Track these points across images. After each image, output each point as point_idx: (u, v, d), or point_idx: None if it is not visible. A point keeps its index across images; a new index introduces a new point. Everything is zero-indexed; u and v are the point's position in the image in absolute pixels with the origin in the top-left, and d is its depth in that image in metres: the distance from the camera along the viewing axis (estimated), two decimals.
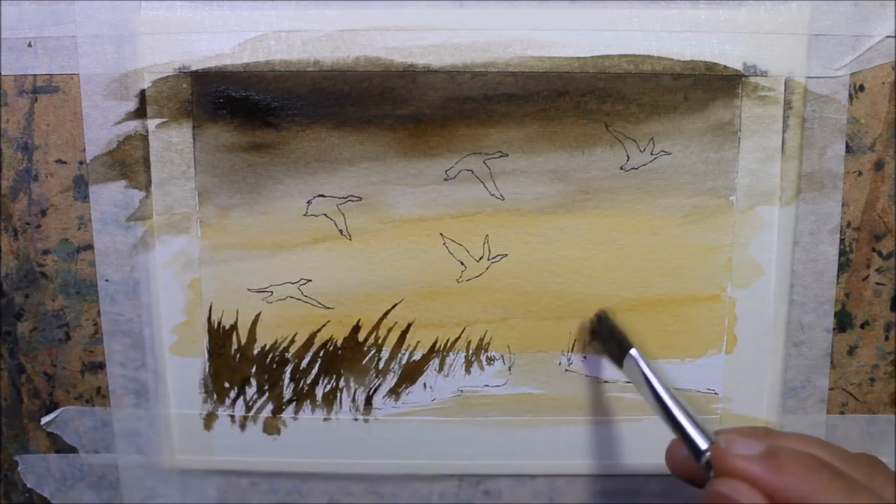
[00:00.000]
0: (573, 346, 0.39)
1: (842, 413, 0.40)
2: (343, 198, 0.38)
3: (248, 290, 0.38)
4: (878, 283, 0.38)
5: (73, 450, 0.41)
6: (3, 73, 0.37)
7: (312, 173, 0.37)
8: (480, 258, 0.38)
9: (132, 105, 0.37)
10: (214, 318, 0.39)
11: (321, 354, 0.39)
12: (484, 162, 0.37)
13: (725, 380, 0.39)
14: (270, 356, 0.39)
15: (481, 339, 0.39)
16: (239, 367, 0.39)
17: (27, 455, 0.41)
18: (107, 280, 0.38)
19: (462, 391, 0.39)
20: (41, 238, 0.38)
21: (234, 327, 0.39)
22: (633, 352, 0.34)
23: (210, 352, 0.39)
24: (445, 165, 0.37)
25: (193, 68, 0.36)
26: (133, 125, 0.37)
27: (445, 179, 0.37)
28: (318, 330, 0.39)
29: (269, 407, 0.40)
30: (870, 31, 0.36)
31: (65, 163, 0.38)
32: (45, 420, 0.40)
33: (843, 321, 0.39)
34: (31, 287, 0.39)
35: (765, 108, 0.36)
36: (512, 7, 0.36)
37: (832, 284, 0.38)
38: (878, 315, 0.39)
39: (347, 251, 0.38)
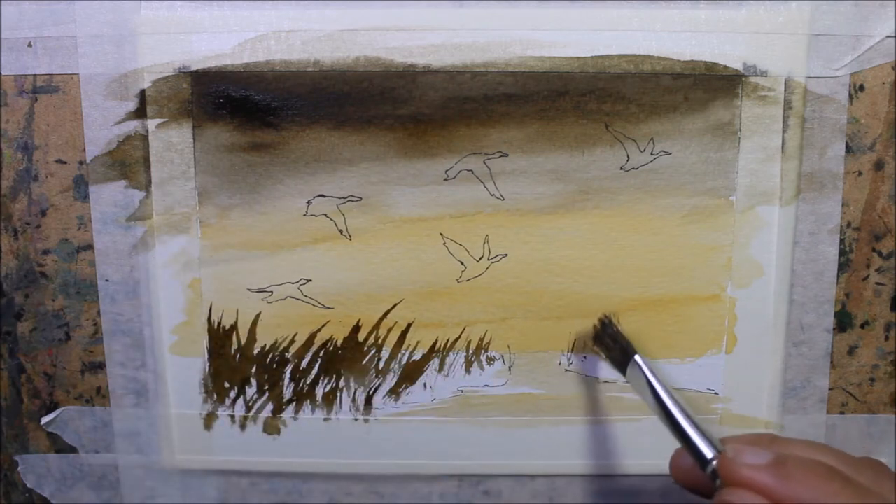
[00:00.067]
0: (573, 346, 0.39)
1: (842, 413, 0.40)
2: (343, 198, 0.38)
3: (248, 290, 0.38)
4: (878, 283, 0.38)
5: (73, 450, 0.41)
6: (3, 73, 0.37)
7: (312, 173, 0.37)
8: (480, 258, 0.38)
9: (132, 105, 0.37)
10: (214, 318, 0.39)
11: (321, 354, 0.39)
12: (484, 162, 0.37)
13: (725, 380, 0.39)
14: (270, 356, 0.39)
15: (481, 339, 0.39)
16: (239, 367, 0.39)
17: (27, 455, 0.41)
18: (107, 280, 0.38)
19: (462, 391, 0.39)
20: (41, 238, 0.38)
21: (234, 327, 0.39)
22: (637, 358, 0.34)
23: (210, 352, 0.39)
24: (445, 165, 0.37)
25: (193, 68, 0.36)
26: (133, 125, 0.37)
27: (445, 179, 0.37)
28: (318, 330, 0.39)
29: (269, 407, 0.40)
30: (870, 31, 0.36)
31: (65, 163, 0.38)
32: (45, 420, 0.40)
33: (843, 321, 0.39)
34: (31, 287, 0.39)
35: (765, 108, 0.36)
36: (512, 7, 0.36)
37: (832, 284, 0.38)
38: (878, 315, 0.39)
39: (347, 251, 0.38)
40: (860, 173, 0.37)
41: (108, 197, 0.38)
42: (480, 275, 0.38)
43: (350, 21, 0.36)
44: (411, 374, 0.39)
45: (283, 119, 0.37)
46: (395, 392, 0.39)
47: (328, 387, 0.40)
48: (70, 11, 0.36)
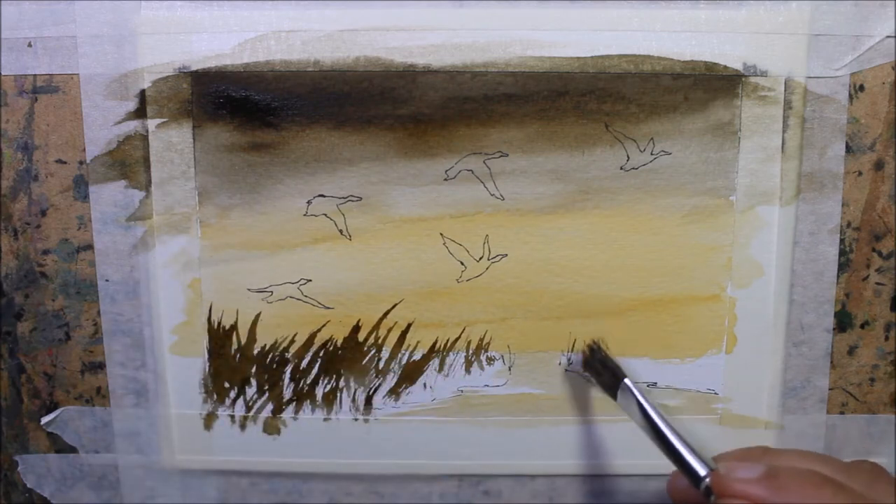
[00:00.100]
0: (573, 346, 0.39)
1: (842, 413, 0.40)
2: (343, 198, 0.38)
3: (248, 290, 0.38)
4: (878, 283, 0.38)
5: (73, 450, 0.41)
6: (3, 73, 0.37)
7: (312, 173, 0.37)
8: (480, 258, 0.38)
9: (132, 105, 0.37)
10: (214, 318, 0.39)
11: (321, 354, 0.39)
12: (484, 162, 0.37)
13: (725, 380, 0.39)
14: (270, 356, 0.39)
15: (481, 339, 0.39)
16: (239, 367, 0.39)
17: (27, 455, 0.41)
18: (107, 280, 0.38)
19: (462, 391, 0.39)
20: (41, 238, 0.38)
21: (234, 327, 0.39)
22: (626, 381, 0.35)
23: (210, 352, 0.39)
24: (445, 165, 0.37)
25: (193, 68, 0.36)
26: (133, 125, 0.37)
27: (445, 179, 0.37)
28: (318, 330, 0.39)
29: (269, 407, 0.40)
30: (870, 31, 0.36)
31: (65, 163, 0.38)
32: (45, 420, 0.40)
33: (843, 321, 0.39)
34: (31, 287, 0.39)
35: (765, 108, 0.36)
36: (512, 7, 0.36)
37: (832, 284, 0.38)
38: (878, 315, 0.39)
39: (347, 251, 0.38)
40: (860, 173, 0.37)
41: (108, 197, 0.38)
42: (480, 275, 0.38)
43: (350, 21, 0.36)
44: (411, 374, 0.39)
45: (283, 119, 0.37)
46: (395, 392, 0.39)
47: (328, 387, 0.40)
48: (70, 11, 0.36)
